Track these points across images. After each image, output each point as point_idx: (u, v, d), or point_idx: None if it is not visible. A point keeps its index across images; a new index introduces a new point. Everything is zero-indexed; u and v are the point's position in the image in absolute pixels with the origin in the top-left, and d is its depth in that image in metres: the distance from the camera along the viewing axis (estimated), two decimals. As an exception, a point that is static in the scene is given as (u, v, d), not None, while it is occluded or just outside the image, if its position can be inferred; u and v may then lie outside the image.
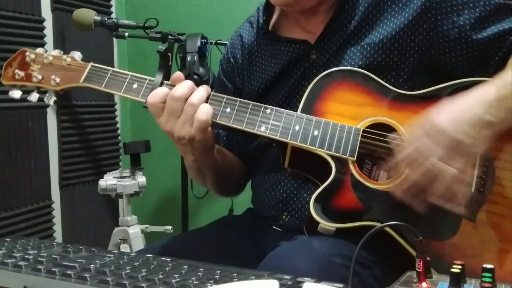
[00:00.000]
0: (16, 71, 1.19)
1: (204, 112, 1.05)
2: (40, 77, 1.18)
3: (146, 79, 1.13)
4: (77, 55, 1.20)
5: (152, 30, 2.07)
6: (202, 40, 2.01)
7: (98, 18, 2.03)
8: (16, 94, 1.20)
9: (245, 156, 1.32)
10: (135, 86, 1.13)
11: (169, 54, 1.13)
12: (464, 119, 0.92)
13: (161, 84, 1.11)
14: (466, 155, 0.92)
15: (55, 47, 2.26)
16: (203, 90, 1.08)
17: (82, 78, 1.16)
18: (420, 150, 0.93)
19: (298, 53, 1.19)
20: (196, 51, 1.98)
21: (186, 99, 1.05)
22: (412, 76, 1.11)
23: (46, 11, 2.27)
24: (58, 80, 1.17)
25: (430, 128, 0.93)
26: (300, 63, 1.19)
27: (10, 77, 1.19)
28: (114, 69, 1.16)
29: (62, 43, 2.32)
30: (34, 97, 1.20)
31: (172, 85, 1.10)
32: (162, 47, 1.13)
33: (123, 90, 1.13)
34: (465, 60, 1.09)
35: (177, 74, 1.12)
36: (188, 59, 1.97)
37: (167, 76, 1.13)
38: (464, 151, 0.92)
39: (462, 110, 0.93)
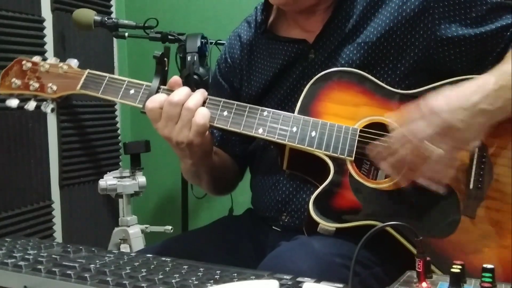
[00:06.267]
0: (13, 80, 1.18)
1: (202, 115, 1.05)
2: (37, 85, 1.18)
3: (143, 84, 1.13)
4: (74, 62, 1.20)
5: (152, 30, 2.07)
6: (202, 40, 2.01)
7: (98, 18, 2.03)
8: (13, 103, 1.19)
9: (239, 156, 1.32)
10: (132, 92, 1.13)
11: (165, 59, 1.13)
12: (460, 105, 0.94)
13: (158, 89, 1.11)
14: (455, 139, 0.94)
15: (55, 48, 2.30)
16: (199, 95, 1.08)
17: (79, 85, 1.16)
18: (411, 129, 0.95)
19: (296, 53, 1.19)
20: (196, 51, 1.99)
21: (183, 105, 1.05)
22: (409, 74, 1.11)
23: (46, 11, 2.27)
24: (55, 88, 1.17)
25: (425, 110, 0.95)
26: (298, 62, 1.19)
27: (7, 86, 1.19)
28: (111, 75, 1.16)
29: (62, 43, 2.32)
30: (31, 105, 1.20)
31: (169, 90, 1.10)
32: (158, 52, 1.13)
33: (120, 96, 1.14)
34: (463, 58, 1.09)
35: (174, 78, 1.12)
36: (188, 59, 1.97)
37: (164, 81, 1.13)
38: (454, 135, 0.94)
39: (459, 96, 0.95)
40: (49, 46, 2.27)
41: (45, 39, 2.24)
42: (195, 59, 1.97)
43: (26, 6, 2.16)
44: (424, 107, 0.95)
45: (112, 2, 2.68)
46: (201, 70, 1.97)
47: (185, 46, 2.01)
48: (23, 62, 1.20)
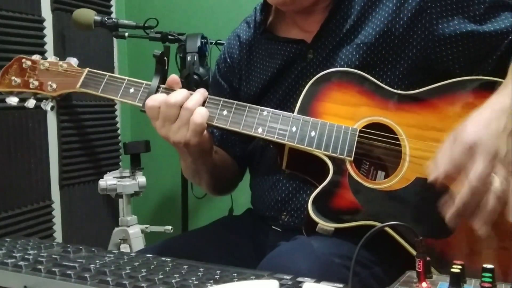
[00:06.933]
0: (13, 78, 1.19)
1: (200, 115, 1.05)
2: (36, 83, 1.19)
3: (142, 83, 1.14)
4: (73, 61, 1.21)
5: (152, 30, 2.07)
6: (202, 40, 2.02)
7: (98, 18, 2.03)
8: (13, 100, 1.20)
9: (239, 156, 1.32)
10: (131, 90, 1.14)
11: (165, 58, 1.13)
12: (492, 129, 0.88)
13: (158, 88, 1.12)
14: (505, 165, 0.87)
15: (55, 48, 2.30)
16: (199, 95, 1.09)
17: (79, 83, 1.17)
18: (461, 167, 0.87)
19: (295, 53, 1.19)
20: (196, 51, 1.99)
21: (181, 106, 1.06)
22: (409, 74, 1.11)
23: (46, 11, 2.27)
24: (54, 86, 1.18)
25: (463, 144, 0.88)
26: (297, 62, 1.19)
27: (7, 84, 1.20)
28: (111, 74, 1.16)
29: (62, 43, 2.32)
30: (31, 103, 1.20)
31: (168, 89, 1.11)
32: (158, 51, 1.13)
33: (119, 94, 1.14)
34: (461, 57, 1.09)
35: (173, 77, 1.12)
36: (188, 59, 1.97)
37: (163, 80, 1.13)
38: (502, 161, 0.87)
39: (486, 123, 0.89)
40: (49, 46, 2.27)
41: (45, 39, 2.24)
42: (195, 59, 1.97)
43: (26, 6, 2.16)
44: (459, 141, 0.88)
45: (112, 2, 2.68)
46: (201, 70, 1.97)
47: (185, 46, 2.02)
48: (23, 60, 1.20)
